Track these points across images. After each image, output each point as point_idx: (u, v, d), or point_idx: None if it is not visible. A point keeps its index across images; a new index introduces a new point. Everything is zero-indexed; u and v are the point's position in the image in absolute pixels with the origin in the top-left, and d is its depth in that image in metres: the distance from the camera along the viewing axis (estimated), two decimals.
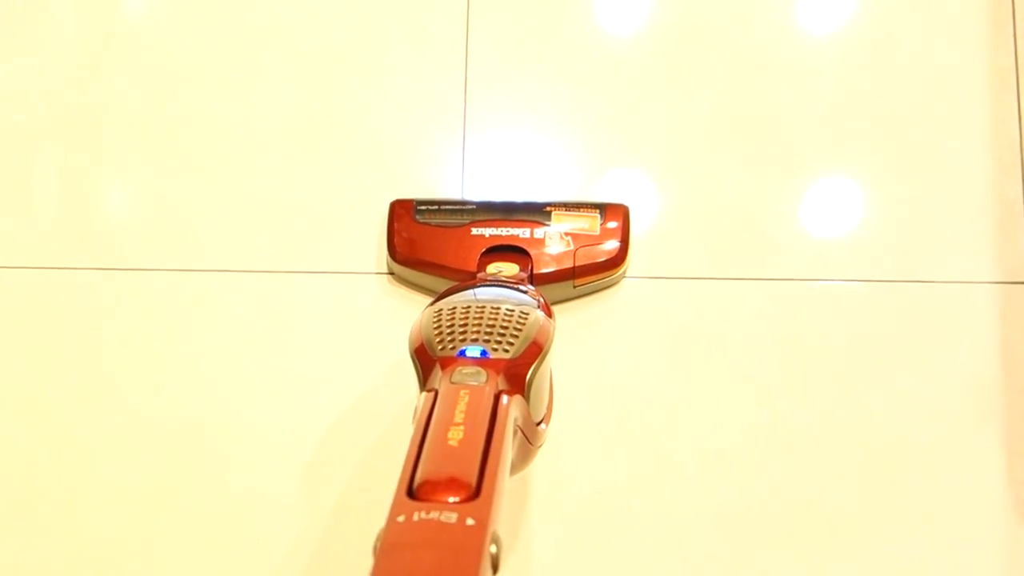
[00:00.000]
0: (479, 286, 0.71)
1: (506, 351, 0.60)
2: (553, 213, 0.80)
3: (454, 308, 0.64)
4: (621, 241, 0.80)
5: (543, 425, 0.65)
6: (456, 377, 0.57)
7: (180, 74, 0.88)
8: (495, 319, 0.62)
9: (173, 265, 0.83)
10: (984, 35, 0.87)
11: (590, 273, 0.79)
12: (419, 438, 0.52)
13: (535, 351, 0.60)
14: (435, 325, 0.62)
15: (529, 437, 0.62)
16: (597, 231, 0.80)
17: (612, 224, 0.80)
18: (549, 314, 0.66)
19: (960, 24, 0.88)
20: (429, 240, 0.80)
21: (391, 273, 0.82)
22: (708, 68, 0.88)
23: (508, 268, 0.78)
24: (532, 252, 0.79)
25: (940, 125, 0.86)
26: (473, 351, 0.60)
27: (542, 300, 0.68)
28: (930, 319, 0.81)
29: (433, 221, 0.80)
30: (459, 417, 0.53)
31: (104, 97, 0.88)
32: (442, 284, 0.77)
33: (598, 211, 0.81)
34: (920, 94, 0.87)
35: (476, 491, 0.48)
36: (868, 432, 0.79)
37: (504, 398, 0.56)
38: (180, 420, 0.79)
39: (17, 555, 0.76)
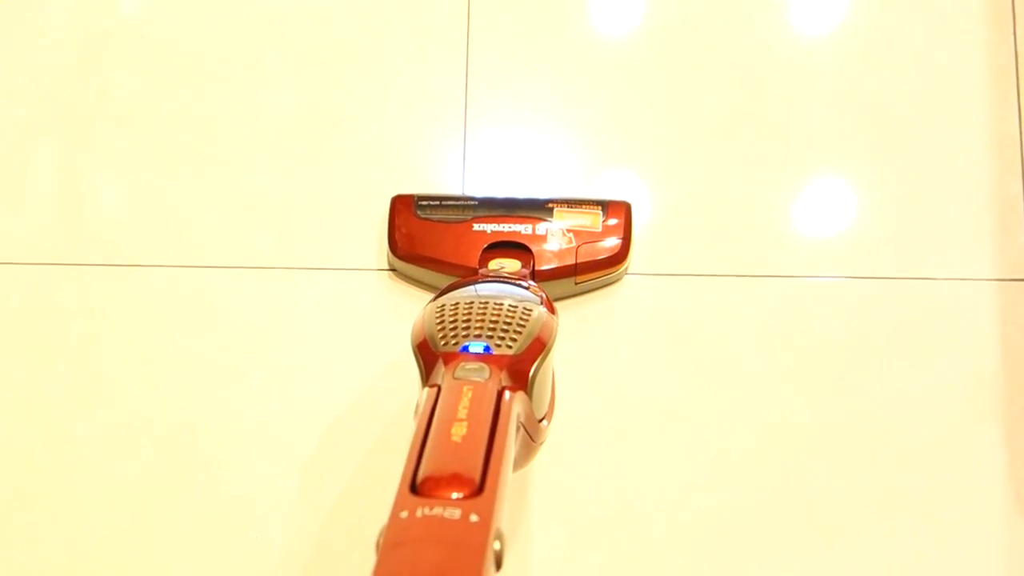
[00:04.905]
0: (481, 282, 0.71)
1: (509, 347, 0.60)
2: (555, 209, 0.80)
3: (457, 304, 0.64)
4: (623, 238, 0.80)
5: (545, 422, 0.65)
6: (459, 373, 0.57)
7: (179, 70, 0.88)
8: (498, 315, 0.62)
9: (171, 261, 0.83)
10: (984, 32, 0.87)
11: (592, 270, 0.79)
12: (422, 434, 0.52)
13: (538, 347, 0.60)
14: (438, 321, 0.62)
15: (531, 434, 0.62)
16: (599, 228, 0.80)
17: (614, 221, 0.80)
18: (552, 310, 0.66)
19: (960, 21, 0.88)
20: (430, 236, 0.79)
21: (392, 269, 0.82)
22: (710, 65, 0.87)
23: (510, 264, 0.78)
24: (534, 248, 0.79)
25: (940, 122, 0.86)
26: (476, 347, 0.59)
27: (544, 296, 0.68)
28: (931, 316, 0.81)
29: (434, 217, 0.80)
30: (462, 413, 0.53)
31: (102, 92, 0.87)
32: (443, 280, 0.76)
33: (600, 208, 0.81)
34: (920, 91, 0.87)
35: (480, 487, 0.48)
36: (869, 428, 0.79)
37: (507, 394, 0.56)
38: (178, 417, 0.79)
39: (12, 554, 0.76)
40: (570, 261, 0.79)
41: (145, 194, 0.85)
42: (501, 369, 0.58)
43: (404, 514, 0.46)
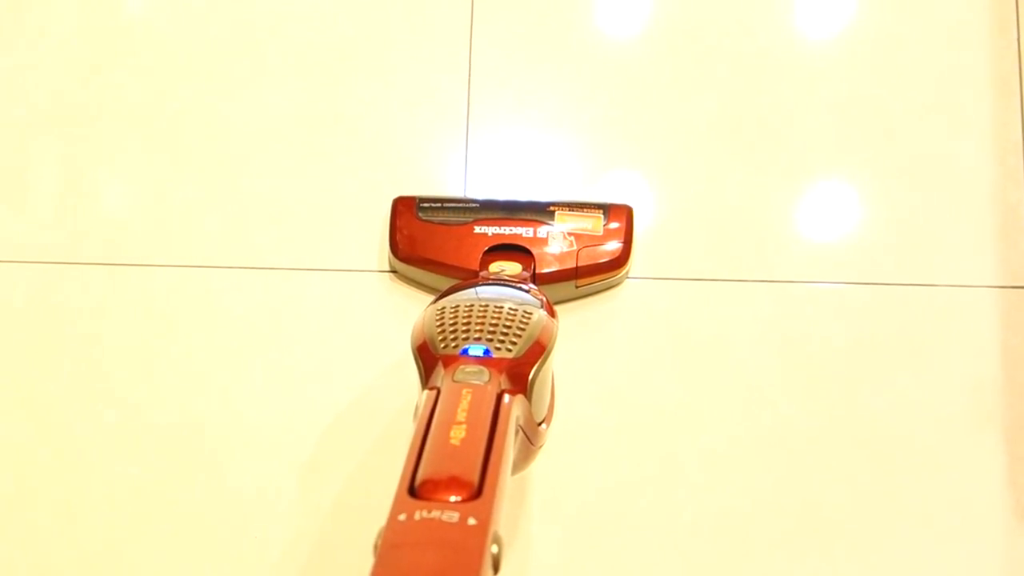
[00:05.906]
0: (481, 285, 0.71)
1: (509, 350, 0.60)
2: (556, 213, 0.80)
3: (457, 306, 0.64)
4: (624, 242, 0.80)
5: (544, 425, 0.65)
6: (459, 376, 0.57)
7: (182, 69, 0.88)
8: (498, 318, 0.62)
9: (174, 261, 0.83)
10: (987, 39, 0.87)
11: (593, 273, 0.79)
12: (421, 436, 0.52)
13: (538, 351, 0.60)
14: (438, 323, 0.62)
15: (530, 437, 0.62)
16: (600, 231, 0.80)
17: (615, 224, 0.80)
18: (552, 314, 0.66)
19: (963, 28, 0.88)
20: (431, 238, 0.79)
21: (393, 271, 0.82)
22: (712, 70, 0.87)
23: (511, 267, 0.78)
24: (535, 251, 0.79)
25: (943, 129, 0.86)
26: (476, 350, 0.59)
27: (545, 299, 0.68)
28: (932, 323, 0.81)
29: (436, 219, 0.80)
30: (461, 416, 0.53)
31: (106, 92, 0.87)
32: (444, 282, 0.77)
33: (601, 211, 0.81)
34: (923, 97, 0.87)
35: (478, 491, 0.48)
36: (869, 434, 0.79)
37: (506, 397, 0.56)
38: (179, 417, 0.79)
39: (14, 552, 0.76)
40: (571, 264, 0.79)
41: (147, 194, 0.86)
42: (501, 372, 0.58)
43: (402, 517, 0.46)
